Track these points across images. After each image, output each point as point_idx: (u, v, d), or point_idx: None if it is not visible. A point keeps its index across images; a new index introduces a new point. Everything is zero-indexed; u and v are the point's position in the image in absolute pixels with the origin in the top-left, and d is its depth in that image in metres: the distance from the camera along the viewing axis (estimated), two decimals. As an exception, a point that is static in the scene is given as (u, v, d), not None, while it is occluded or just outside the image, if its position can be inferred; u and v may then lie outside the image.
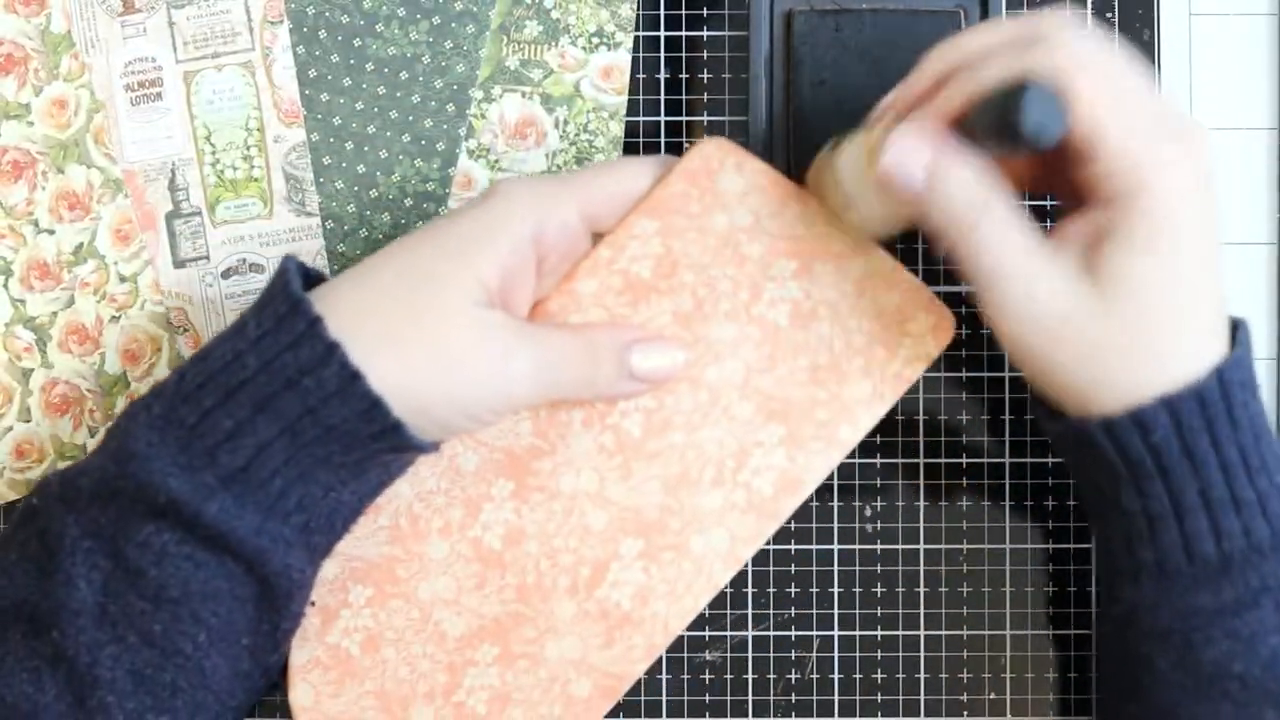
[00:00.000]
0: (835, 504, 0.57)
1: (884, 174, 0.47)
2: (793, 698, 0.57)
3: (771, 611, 0.57)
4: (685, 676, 0.57)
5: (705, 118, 0.57)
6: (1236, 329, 0.49)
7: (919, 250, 0.57)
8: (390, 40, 0.57)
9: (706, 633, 0.57)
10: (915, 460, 0.57)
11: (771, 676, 0.57)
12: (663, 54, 0.57)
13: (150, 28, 0.56)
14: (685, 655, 0.57)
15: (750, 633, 0.57)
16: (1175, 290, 0.47)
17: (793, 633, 0.57)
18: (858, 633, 0.57)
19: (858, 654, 0.57)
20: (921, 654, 0.57)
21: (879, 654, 0.57)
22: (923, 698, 0.57)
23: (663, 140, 0.57)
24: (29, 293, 0.56)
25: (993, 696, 0.57)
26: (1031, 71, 0.46)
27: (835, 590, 0.57)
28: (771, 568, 0.57)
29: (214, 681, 0.48)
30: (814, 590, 0.57)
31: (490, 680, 0.51)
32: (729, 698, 0.57)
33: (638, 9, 0.57)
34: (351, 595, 0.52)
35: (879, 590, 0.57)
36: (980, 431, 0.57)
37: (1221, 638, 0.47)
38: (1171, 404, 0.46)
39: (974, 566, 0.57)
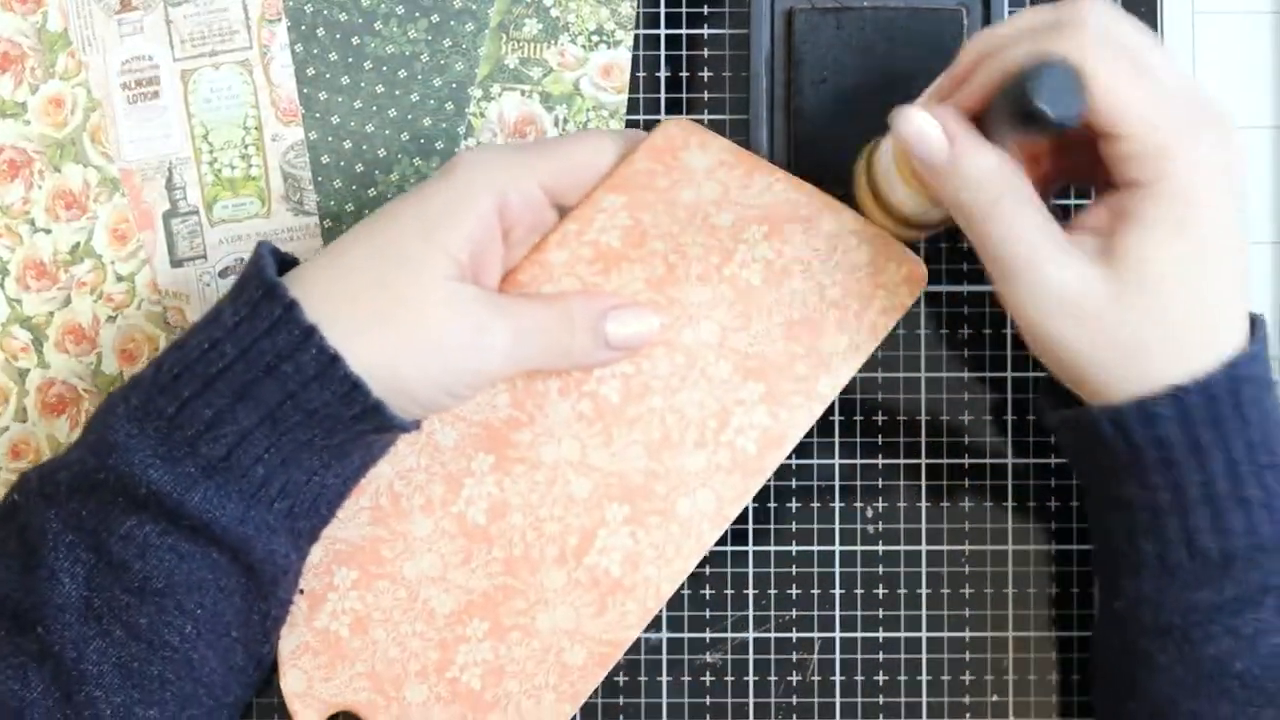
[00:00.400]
0: (837, 505, 0.57)
1: (904, 144, 0.47)
2: (794, 700, 0.56)
3: (772, 613, 0.57)
4: (686, 679, 0.56)
5: (706, 116, 0.57)
6: (1255, 325, 0.48)
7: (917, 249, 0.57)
8: (389, 38, 0.57)
9: (707, 635, 0.56)
10: (917, 461, 0.57)
11: (773, 678, 0.57)
12: (663, 52, 0.57)
13: (147, 26, 0.56)
14: (686, 657, 0.56)
15: (751, 634, 0.57)
16: (1195, 279, 0.46)
17: (794, 634, 0.57)
18: (859, 634, 0.57)
19: (859, 656, 0.57)
20: (923, 656, 0.57)
21: (880, 656, 0.57)
22: (924, 700, 0.57)
23: (663, 139, 0.57)
24: (25, 292, 0.56)
25: (995, 698, 0.57)
26: (1048, 53, 0.46)
27: (836, 592, 0.57)
28: (773, 569, 0.57)
29: (203, 674, 0.48)
30: (815, 592, 0.57)
31: (483, 655, 0.51)
32: (729, 700, 0.56)
33: (638, 7, 0.57)
34: (337, 578, 0.52)
35: (880, 592, 0.57)
36: (982, 432, 0.57)
37: (1222, 635, 0.47)
38: (1179, 396, 0.46)
39: (976, 568, 0.57)
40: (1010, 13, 0.57)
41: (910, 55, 0.56)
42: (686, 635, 0.56)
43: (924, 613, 0.57)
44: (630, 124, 0.57)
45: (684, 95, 0.57)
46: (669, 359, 0.52)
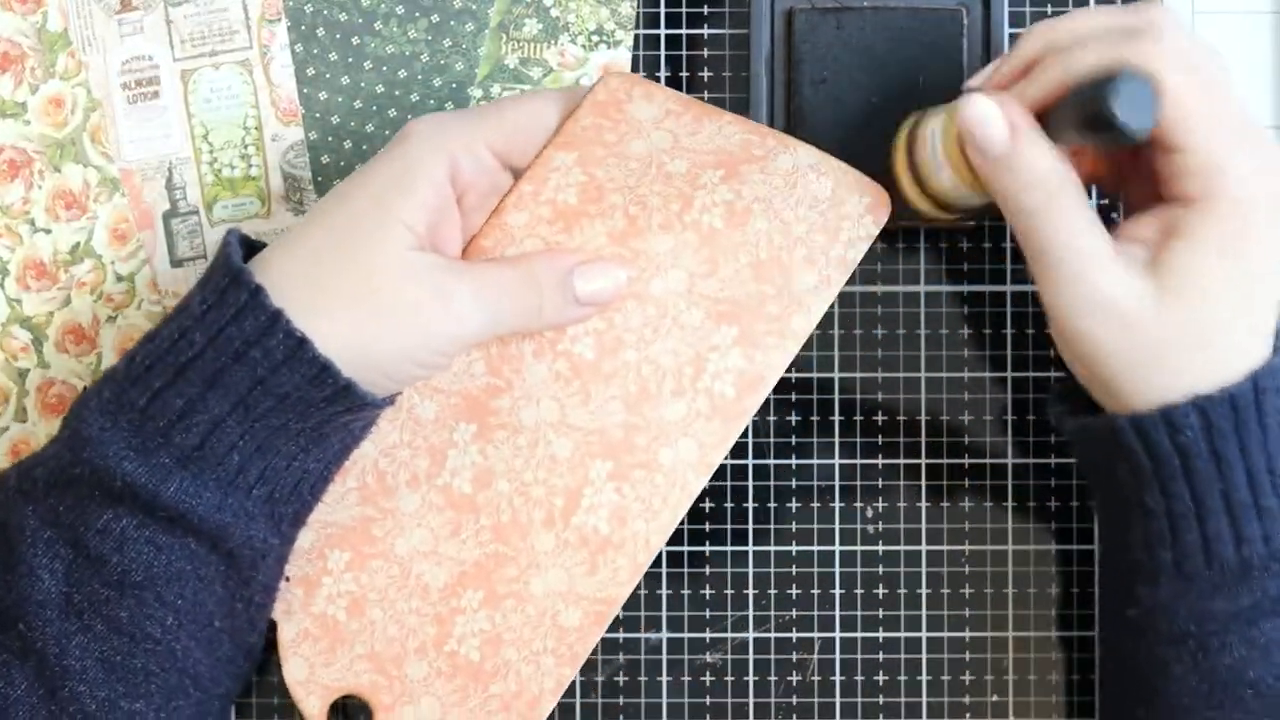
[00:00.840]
0: (837, 505, 0.57)
1: (964, 129, 0.47)
2: (794, 700, 0.56)
3: (772, 613, 0.57)
4: (686, 679, 0.56)
5: (705, 116, 0.57)
6: (1277, 335, 0.49)
7: (917, 250, 0.57)
8: (389, 38, 0.57)
9: (707, 635, 0.56)
10: (917, 461, 0.57)
11: (772, 679, 0.56)
12: (663, 52, 0.57)
13: (148, 26, 0.56)
14: (686, 657, 0.56)
15: (751, 634, 0.57)
16: (1240, 298, 0.47)
17: (794, 635, 0.57)
18: (859, 634, 0.57)
19: (859, 656, 0.57)
20: (923, 656, 0.57)
21: (880, 656, 0.57)
22: (925, 700, 0.56)
23: (663, 139, 0.57)
24: (25, 292, 0.56)
25: (995, 699, 0.57)
26: (1127, 62, 0.46)
27: (836, 592, 0.57)
28: (773, 569, 0.57)
29: (188, 665, 0.48)
30: (815, 592, 0.57)
31: (479, 625, 0.51)
32: (729, 700, 0.56)
33: (638, 7, 0.57)
34: (330, 562, 0.52)
35: (880, 592, 0.57)
36: (982, 432, 0.57)
37: (1238, 645, 0.47)
38: (1203, 405, 0.47)
39: (976, 568, 0.57)
40: (1010, 13, 0.57)
41: (910, 55, 0.56)
42: (686, 635, 0.56)
43: (924, 613, 0.57)
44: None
45: (684, 95, 0.57)
46: (640, 311, 0.51)
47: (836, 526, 0.57)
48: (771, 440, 0.57)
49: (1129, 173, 0.51)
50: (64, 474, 0.47)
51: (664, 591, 0.57)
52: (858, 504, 0.57)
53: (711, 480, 0.54)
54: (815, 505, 0.57)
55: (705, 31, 0.57)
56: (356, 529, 0.52)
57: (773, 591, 0.57)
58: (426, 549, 0.52)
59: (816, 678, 0.57)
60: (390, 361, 0.47)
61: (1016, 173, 0.47)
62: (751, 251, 0.51)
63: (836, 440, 0.57)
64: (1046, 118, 0.47)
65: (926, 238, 0.57)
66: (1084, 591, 0.57)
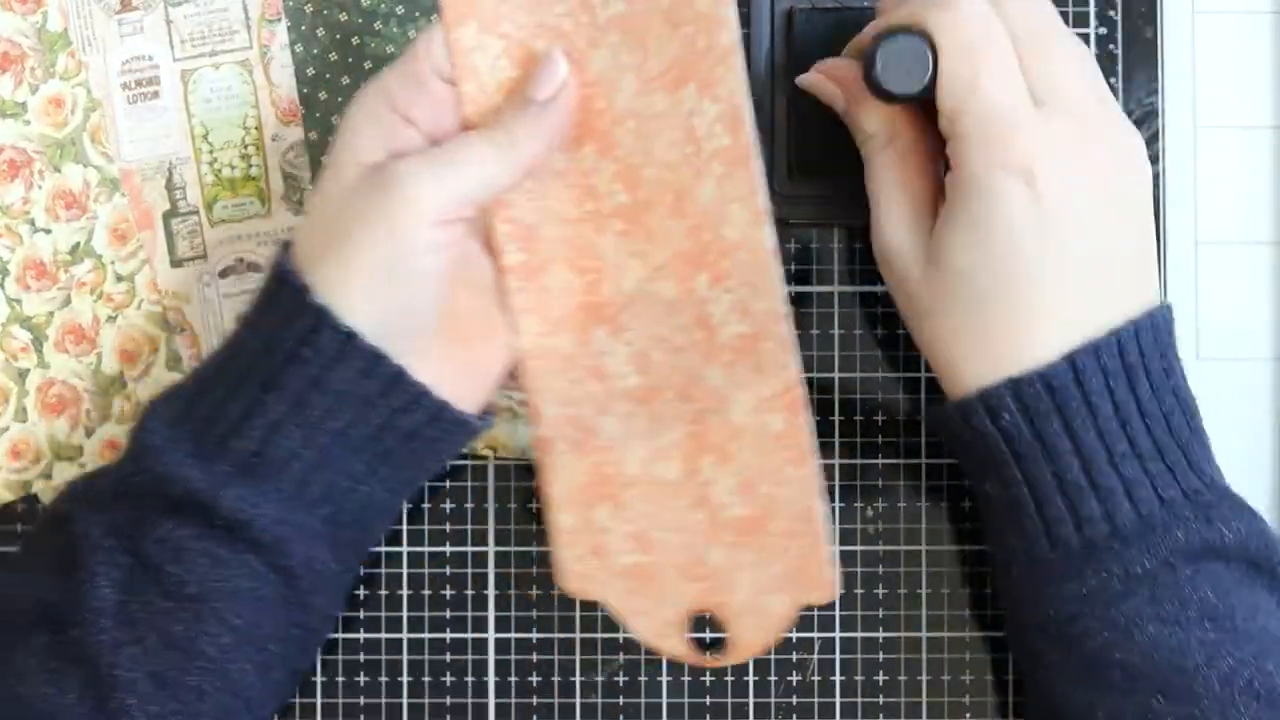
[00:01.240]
0: (836, 505, 0.57)
1: (809, 91, 0.52)
2: (794, 700, 0.56)
3: (772, 613, 0.57)
4: (686, 678, 0.56)
5: (705, 116, 0.57)
6: (1153, 315, 0.48)
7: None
8: (389, 38, 0.57)
9: (707, 635, 0.56)
10: (917, 461, 0.57)
11: (773, 678, 0.56)
12: (663, 52, 0.57)
13: (148, 26, 0.56)
14: (686, 657, 0.56)
15: (751, 634, 0.56)
16: (994, 276, 0.46)
17: (794, 634, 0.57)
18: (859, 634, 0.57)
19: (859, 656, 0.57)
20: (924, 656, 0.57)
21: (880, 656, 0.57)
22: (925, 700, 0.56)
23: (663, 139, 0.57)
24: (25, 292, 0.56)
25: (995, 698, 0.57)
26: (904, 23, 0.46)
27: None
28: (772, 569, 0.57)
29: (242, 688, 0.47)
30: (815, 592, 0.57)
31: (729, 483, 0.51)
32: (729, 700, 0.56)
33: (638, 7, 0.57)
34: (598, 521, 0.52)
35: (880, 592, 0.57)
36: (982, 432, 0.57)
37: (1100, 628, 0.47)
38: (1017, 387, 0.46)
39: (975, 568, 0.57)
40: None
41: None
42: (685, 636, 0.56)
43: (924, 613, 0.57)
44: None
45: (684, 95, 0.57)
46: (624, 131, 0.51)
47: (836, 526, 0.57)
48: (771, 440, 0.57)
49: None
50: (126, 484, 0.47)
51: (664, 591, 0.57)
52: (858, 504, 0.57)
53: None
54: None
55: (705, 31, 0.57)
56: (594, 479, 0.52)
57: (773, 591, 0.57)
58: (646, 454, 0.51)
59: (816, 678, 0.57)
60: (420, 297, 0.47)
61: (854, 130, 0.51)
62: (656, 5, 0.50)
63: (836, 440, 0.57)
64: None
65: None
66: (1084, 591, 0.57)
